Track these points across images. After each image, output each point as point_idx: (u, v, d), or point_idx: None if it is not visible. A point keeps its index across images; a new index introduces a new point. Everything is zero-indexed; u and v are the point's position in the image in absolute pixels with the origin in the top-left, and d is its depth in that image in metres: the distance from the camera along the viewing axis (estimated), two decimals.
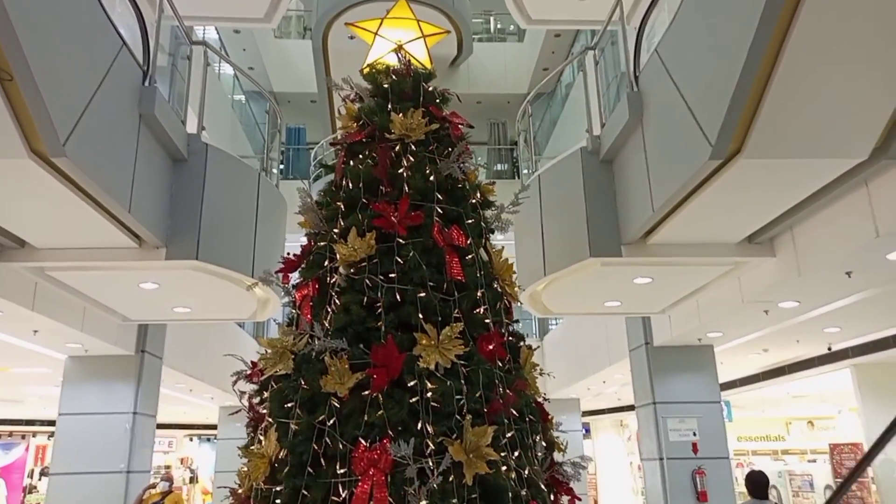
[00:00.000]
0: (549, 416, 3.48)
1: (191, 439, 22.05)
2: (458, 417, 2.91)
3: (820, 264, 5.16)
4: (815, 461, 15.12)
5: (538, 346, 3.74)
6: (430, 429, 2.86)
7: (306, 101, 15.95)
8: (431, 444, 2.83)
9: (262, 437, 3.09)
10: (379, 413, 2.87)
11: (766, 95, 3.49)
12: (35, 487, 17.68)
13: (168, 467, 20.66)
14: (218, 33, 14.08)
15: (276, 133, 8.37)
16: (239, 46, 15.45)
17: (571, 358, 12.42)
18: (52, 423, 8.56)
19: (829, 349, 9.46)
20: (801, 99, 3.52)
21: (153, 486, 7.97)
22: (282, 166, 15.14)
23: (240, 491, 3.08)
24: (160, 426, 11.87)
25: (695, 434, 8.24)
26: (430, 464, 2.77)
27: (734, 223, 5.16)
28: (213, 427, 16.94)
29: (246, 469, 3.05)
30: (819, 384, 11.49)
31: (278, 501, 2.84)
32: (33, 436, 18.10)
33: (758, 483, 5.59)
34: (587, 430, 19.93)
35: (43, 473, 17.23)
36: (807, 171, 4.26)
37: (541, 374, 3.57)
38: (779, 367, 10.88)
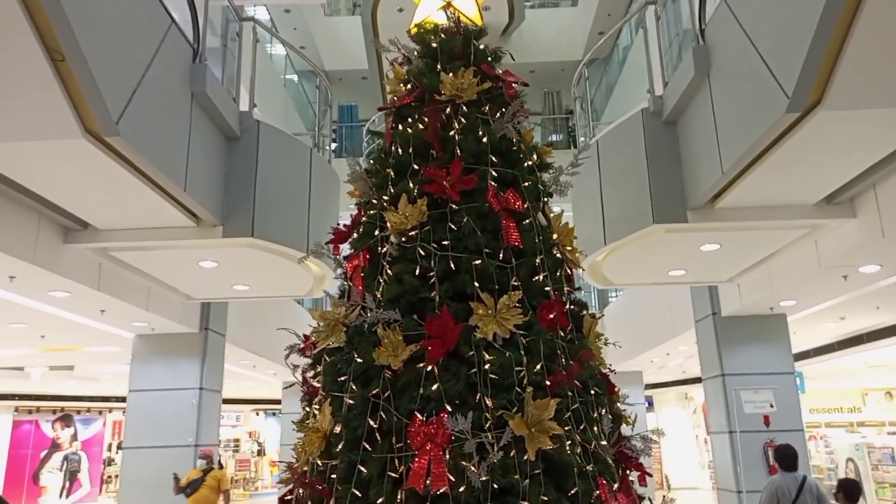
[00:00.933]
0: (616, 388, 3.31)
1: (257, 414, 22.77)
2: (519, 390, 2.79)
3: None
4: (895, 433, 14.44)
5: (601, 316, 3.55)
6: (488, 402, 2.74)
7: (357, 79, 15.89)
8: (490, 418, 2.71)
9: (316, 412, 3.03)
10: (435, 386, 2.77)
11: (850, 38, 3.17)
12: (113, 460, 18.63)
13: (237, 440, 21.46)
14: (269, 13, 14.12)
15: (327, 109, 8.30)
16: (290, 26, 15.46)
17: (633, 330, 12.14)
18: (125, 399, 8.90)
19: None
20: (890, 40, 3.19)
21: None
22: (335, 144, 15.18)
23: (296, 465, 3.04)
24: (227, 401, 12.22)
25: (772, 406, 7.90)
26: (490, 438, 2.65)
27: (811, 182, 4.82)
28: (278, 402, 17.37)
29: (302, 444, 3.01)
30: None
31: (334, 476, 2.78)
32: (109, 411, 19.04)
33: (787, 455, 5.61)
34: (650, 404, 19.61)
35: (119, 447, 18.10)
36: (893, 122, 3.89)
37: (605, 344, 3.40)
38: (856, 336, 10.33)
